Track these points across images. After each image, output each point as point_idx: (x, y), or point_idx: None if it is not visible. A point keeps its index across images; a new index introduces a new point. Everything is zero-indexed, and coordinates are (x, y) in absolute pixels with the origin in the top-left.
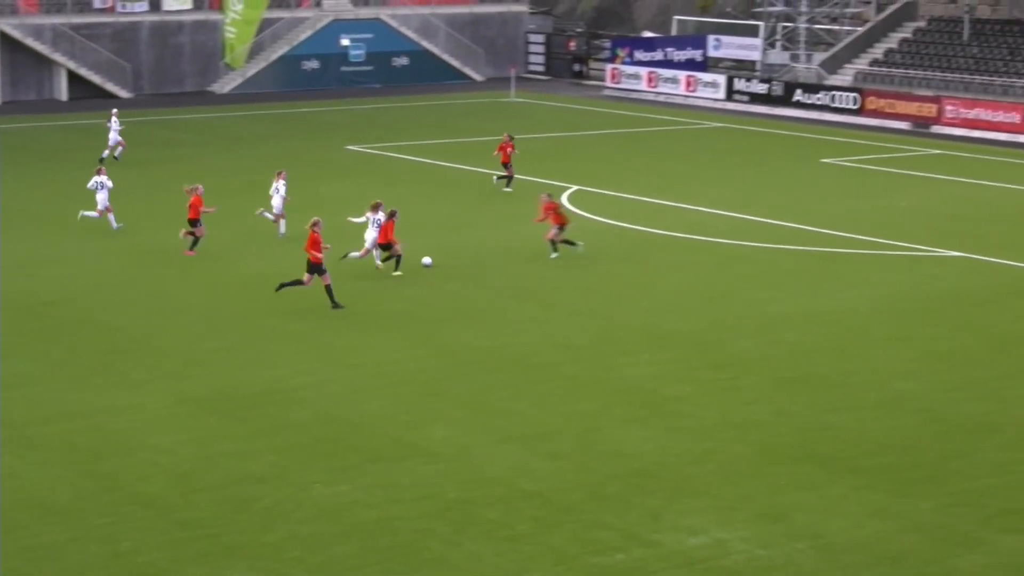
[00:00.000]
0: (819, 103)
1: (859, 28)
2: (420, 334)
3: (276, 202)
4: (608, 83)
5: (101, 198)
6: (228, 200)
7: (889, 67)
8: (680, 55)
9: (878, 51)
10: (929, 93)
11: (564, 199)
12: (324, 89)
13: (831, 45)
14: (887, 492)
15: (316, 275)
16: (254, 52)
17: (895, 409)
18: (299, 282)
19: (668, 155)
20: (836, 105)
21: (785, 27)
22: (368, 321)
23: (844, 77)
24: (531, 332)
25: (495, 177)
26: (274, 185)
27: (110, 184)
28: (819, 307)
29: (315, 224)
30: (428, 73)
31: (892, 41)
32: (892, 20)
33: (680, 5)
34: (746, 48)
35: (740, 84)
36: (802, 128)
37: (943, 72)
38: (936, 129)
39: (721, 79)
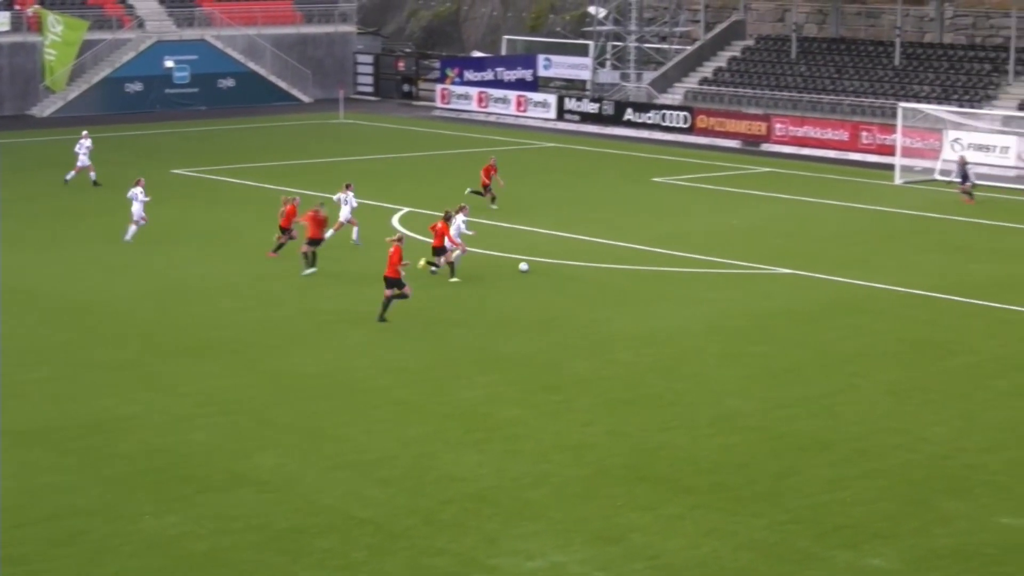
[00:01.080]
0: (650, 122)
1: (688, 47)
2: (249, 361)
3: (136, 208)
4: (438, 103)
5: (136, 209)
6: (47, 225)
7: (719, 86)
8: (510, 75)
9: (707, 70)
10: (758, 111)
11: (395, 221)
12: (148, 112)
13: (661, 64)
14: (722, 511)
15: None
16: (75, 74)
17: (728, 427)
18: (402, 295)
19: (500, 175)
20: (667, 124)
21: (615, 46)
22: (196, 349)
23: (674, 96)
24: (363, 357)
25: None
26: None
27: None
28: (652, 326)
29: (399, 240)
30: (255, 95)
31: (721, 60)
32: (720, 39)
33: (510, 25)
34: (576, 67)
35: (571, 103)
36: (633, 147)
37: (772, 90)
38: (766, 147)
39: (552, 98)
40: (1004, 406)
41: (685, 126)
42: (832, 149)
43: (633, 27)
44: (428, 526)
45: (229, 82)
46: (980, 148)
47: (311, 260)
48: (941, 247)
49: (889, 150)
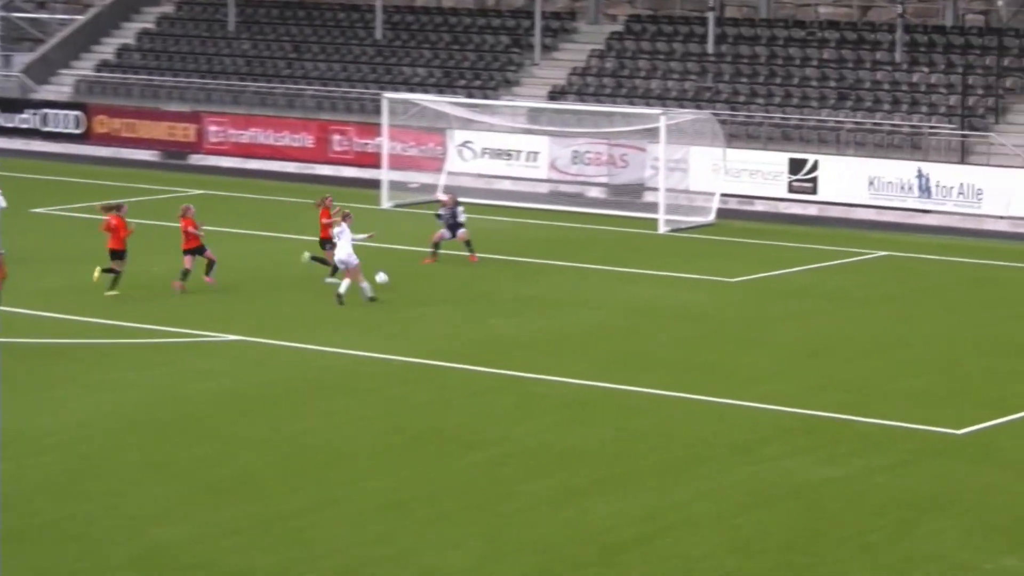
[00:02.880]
0: (24, 127)
1: (78, 17)
2: None
3: None
4: None
5: None
6: None
7: (125, 72)
8: None
9: (108, 49)
10: (184, 108)
11: None
12: None
13: (39, 42)
14: None
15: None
16: None
17: (155, 568)
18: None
19: None
20: (50, 129)
21: None
22: None
23: (60, 88)
24: None
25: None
26: None
27: None
28: (35, 425)
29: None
30: None
31: (127, 34)
32: (125, 4)
33: None
34: None
35: None
36: (3, 163)
37: (204, 78)
38: (197, 159)
39: None
40: (541, 520)
41: (77, 131)
42: (293, 160)
43: None
44: None
45: None
46: (499, 155)
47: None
48: (452, 295)
49: (372, 159)
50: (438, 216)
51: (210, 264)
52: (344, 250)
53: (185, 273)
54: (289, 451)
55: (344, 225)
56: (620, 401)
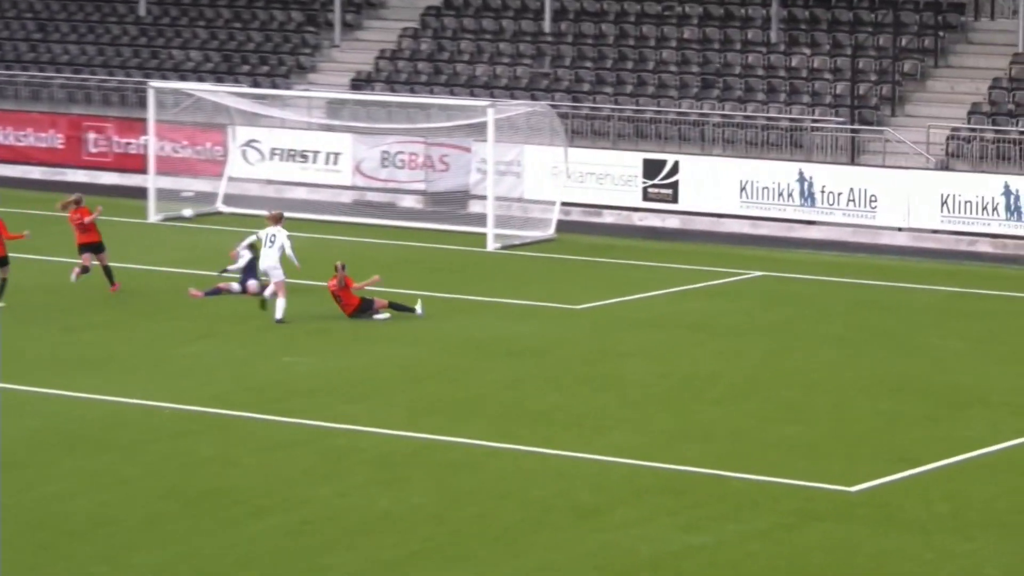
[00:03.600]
0: None
1: None
2: None
3: None
4: None
5: None
6: None
7: None
8: None
9: None
10: None
11: None
12: None
13: None
14: None
15: None
16: None
17: None
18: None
19: None
20: None
21: None
22: None
23: None
24: None
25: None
26: None
27: None
28: None
29: None
30: None
31: None
32: None
33: None
34: None
35: None
36: None
37: None
38: None
39: None
40: None
41: None
42: (38, 164)
43: None
44: None
45: None
46: (292, 156)
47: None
48: (238, 328)
49: (137, 163)
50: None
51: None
52: (271, 258)
53: (84, 269)
54: (37, 520)
55: (277, 228)
56: (440, 456)
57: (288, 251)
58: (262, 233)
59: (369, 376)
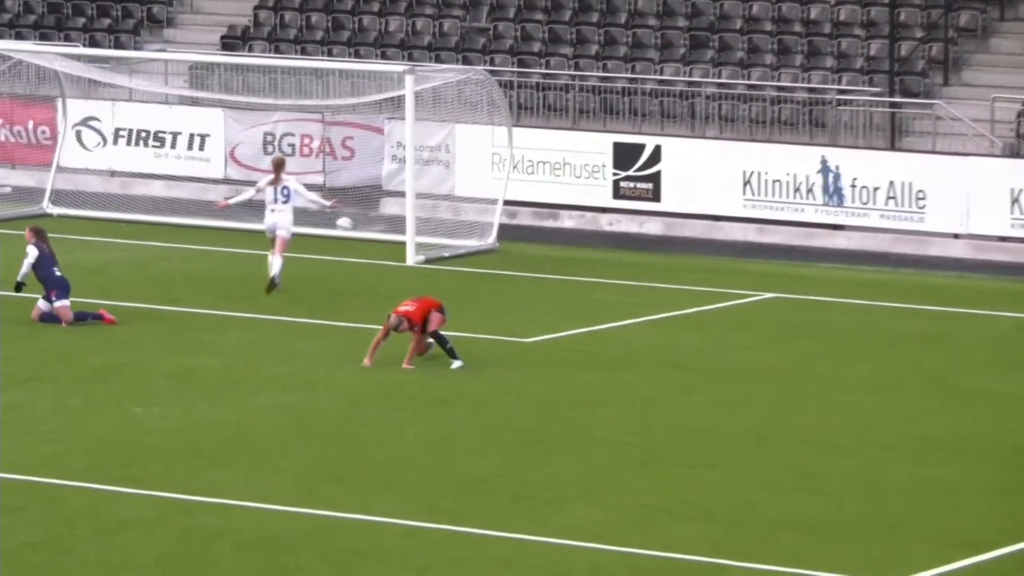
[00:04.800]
0: None
1: None
2: None
3: None
4: None
5: None
6: None
7: None
8: None
9: None
10: None
11: None
12: None
13: None
14: None
15: None
16: None
17: None
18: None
19: None
20: None
21: None
22: None
23: None
24: None
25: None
26: None
27: None
28: None
29: None
30: None
31: None
32: None
33: None
34: None
35: None
36: None
37: None
38: None
39: None
40: None
41: None
42: None
43: None
44: None
45: None
46: (143, 139)
47: None
48: (72, 369)
49: None
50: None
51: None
52: (285, 215)
53: None
54: None
55: (288, 179)
56: (342, 539)
57: (312, 196)
58: (266, 187)
59: (248, 432)
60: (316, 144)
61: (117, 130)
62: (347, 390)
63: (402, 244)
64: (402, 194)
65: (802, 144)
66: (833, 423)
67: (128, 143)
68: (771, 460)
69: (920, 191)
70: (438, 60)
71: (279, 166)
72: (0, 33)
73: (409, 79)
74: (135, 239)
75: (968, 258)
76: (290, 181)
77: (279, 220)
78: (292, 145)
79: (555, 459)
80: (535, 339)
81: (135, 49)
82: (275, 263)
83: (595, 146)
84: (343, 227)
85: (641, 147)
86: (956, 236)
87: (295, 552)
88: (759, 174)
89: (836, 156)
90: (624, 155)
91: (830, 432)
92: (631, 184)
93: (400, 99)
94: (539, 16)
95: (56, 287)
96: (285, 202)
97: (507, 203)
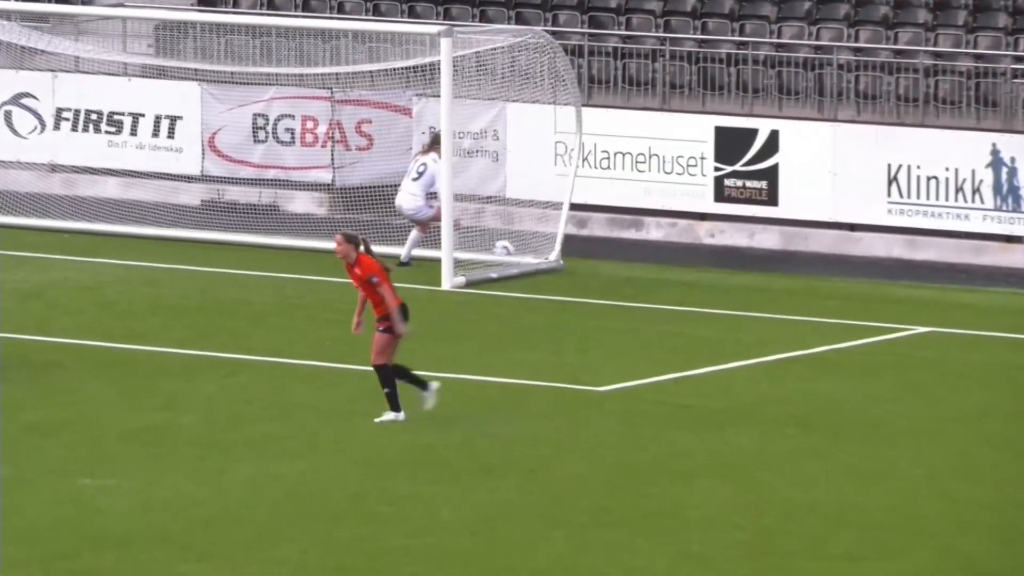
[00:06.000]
0: None
1: None
2: None
3: None
4: None
5: None
6: None
7: None
8: None
9: None
10: None
11: None
12: None
13: None
14: None
15: None
16: None
17: None
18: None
19: None
20: None
21: None
22: None
23: None
24: None
25: None
26: None
27: None
28: None
29: None
30: None
31: None
32: None
33: None
34: None
35: None
36: None
37: None
38: None
39: None
40: None
41: None
42: None
43: None
44: None
45: None
46: (95, 122)
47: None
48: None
49: None
50: None
51: None
52: (413, 196)
53: None
54: None
55: (430, 157)
56: None
57: (438, 185)
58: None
59: (231, 512)
60: (323, 129)
61: (59, 110)
62: (362, 455)
63: (436, 262)
64: (434, 197)
65: (967, 129)
66: (1010, 500)
67: (73, 128)
68: (929, 549)
69: None
70: (484, 18)
71: (435, 140)
72: None
73: (445, 43)
74: (83, 255)
75: None
76: (430, 159)
77: (401, 202)
78: (291, 130)
79: (638, 547)
80: (610, 387)
81: (83, 3)
82: (409, 238)
83: (691, 132)
84: (501, 253)
85: (752, 133)
86: None
87: None
88: (909, 169)
89: (1012, 144)
90: (729, 144)
91: (1006, 513)
92: (739, 183)
93: (433, 69)
94: None
95: None
96: (416, 179)
97: (574, 207)
